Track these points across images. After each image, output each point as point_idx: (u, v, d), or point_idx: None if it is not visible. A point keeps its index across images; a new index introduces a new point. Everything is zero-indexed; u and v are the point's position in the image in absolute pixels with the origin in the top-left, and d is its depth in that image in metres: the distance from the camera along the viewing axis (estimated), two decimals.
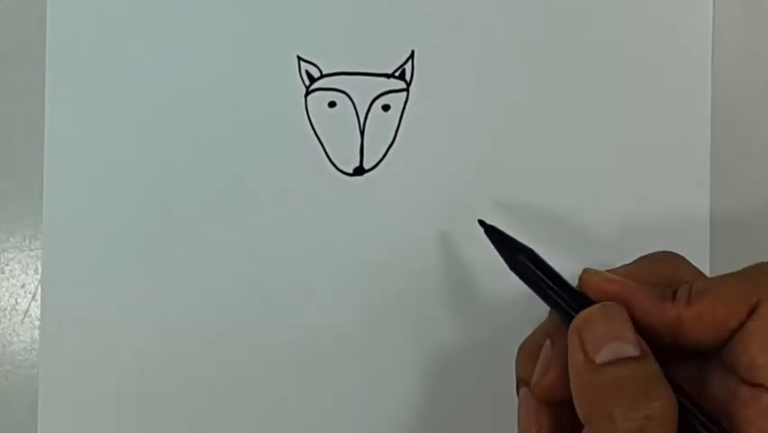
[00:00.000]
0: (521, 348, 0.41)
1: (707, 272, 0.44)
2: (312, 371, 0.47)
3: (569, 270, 0.40)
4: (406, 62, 0.48)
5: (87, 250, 0.47)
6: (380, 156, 0.48)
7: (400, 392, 0.47)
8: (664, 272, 0.40)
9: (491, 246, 0.42)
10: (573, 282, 0.40)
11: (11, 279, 0.47)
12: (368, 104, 0.48)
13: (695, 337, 0.37)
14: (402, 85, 0.48)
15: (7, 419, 0.47)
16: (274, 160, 0.47)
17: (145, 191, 0.47)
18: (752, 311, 0.36)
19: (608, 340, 0.36)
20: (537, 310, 0.41)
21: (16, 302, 0.47)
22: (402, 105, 0.48)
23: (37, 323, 0.47)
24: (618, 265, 0.41)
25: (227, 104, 0.47)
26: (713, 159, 0.48)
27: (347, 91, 0.48)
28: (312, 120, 0.48)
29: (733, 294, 0.37)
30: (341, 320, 0.47)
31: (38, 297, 0.47)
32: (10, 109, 0.47)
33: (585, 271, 0.39)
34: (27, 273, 0.47)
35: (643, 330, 0.37)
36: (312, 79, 0.48)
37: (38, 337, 0.47)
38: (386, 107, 0.48)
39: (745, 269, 0.38)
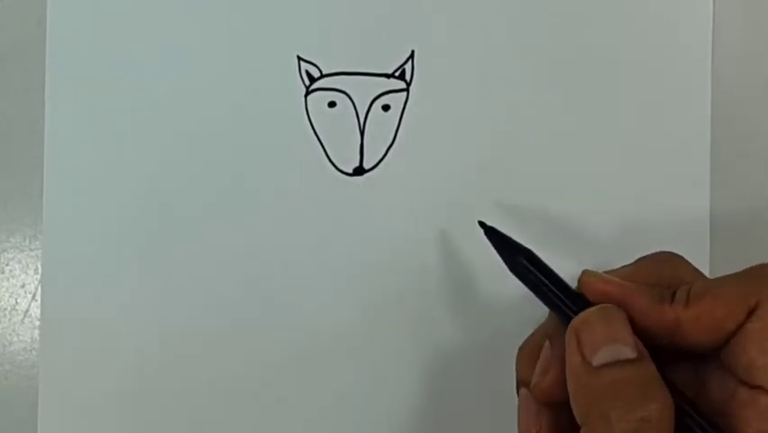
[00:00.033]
0: (521, 349, 0.41)
1: (706, 273, 0.44)
2: (312, 371, 0.47)
3: (569, 270, 0.40)
4: (406, 62, 0.48)
5: (87, 250, 0.47)
6: (380, 156, 0.48)
7: (400, 392, 0.47)
8: (664, 273, 0.40)
9: (491, 247, 0.42)
10: (573, 283, 0.40)
11: (11, 279, 0.47)
12: (368, 104, 0.48)
13: (693, 339, 0.37)
14: (402, 85, 0.48)
15: (7, 419, 0.47)
16: (274, 160, 0.47)
17: (145, 191, 0.47)
18: (750, 313, 0.36)
19: (605, 342, 0.36)
20: (537, 311, 0.41)
21: (16, 302, 0.47)
22: (402, 105, 0.48)
23: (37, 323, 0.47)
24: (618, 266, 0.41)
25: (227, 104, 0.47)
26: (713, 159, 0.48)
27: (347, 91, 0.48)
28: (312, 120, 0.48)
29: (731, 296, 0.37)
30: (341, 320, 0.47)
31: (38, 297, 0.47)
32: (10, 109, 0.47)
33: (584, 272, 0.39)
34: (27, 273, 0.47)
35: (641, 332, 0.37)
36: (312, 79, 0.48)
37: (38, 337, 0.47)
38: (386, 107, 0.48)
39: (743, 271, 0.38)
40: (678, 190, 0.48)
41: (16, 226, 0.47)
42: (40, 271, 0.47)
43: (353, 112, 0.48)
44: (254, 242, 0.47)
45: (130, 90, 0.47)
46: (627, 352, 0.36)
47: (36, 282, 0.47)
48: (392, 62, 0.48)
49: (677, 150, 0.48)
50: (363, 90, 0.48)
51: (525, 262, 0.40)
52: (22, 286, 0.47)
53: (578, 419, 0.36)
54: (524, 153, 0.48)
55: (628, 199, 0.48)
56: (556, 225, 0.48)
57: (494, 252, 0.42)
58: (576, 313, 0.38)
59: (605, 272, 0.40)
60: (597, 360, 0.36)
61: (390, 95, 0.48)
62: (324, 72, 0.48)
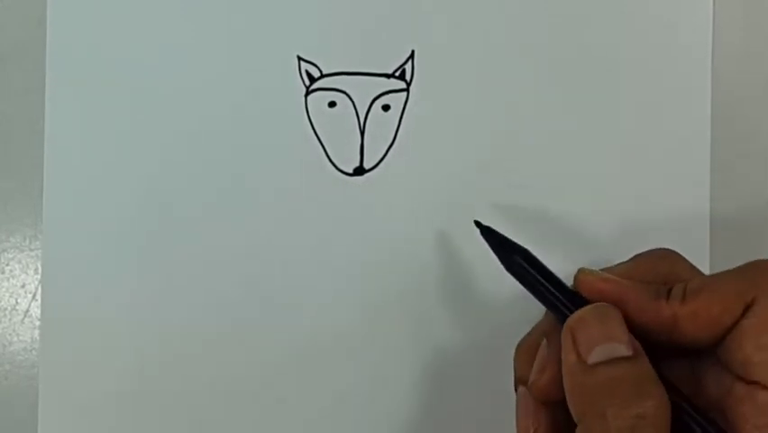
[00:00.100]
0: (519, 347, 0.41)
1: (706, 272, 0.44)
2: (312, 371, 0.47)
3: (569, 270, 0.40)
4: (406, 62, 0.48)
5: (87, 250, 0.47)
6: (380, 156, 0.48)
7: (400, 392, 0.47)
8: (661, 270, 0.40)
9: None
10: (570, 282, 0.40)
11: (11, 279, 0.48)
12: (368, 104, 0.48)
13: (690, 335, 0.37)
14: (402, 85, 0.48)
15: (7, 419, 0.47)
16: (274, 160, 0.47)
17: (145, 191, 0.47)
18: (747, 309, 0.36)
19: (600, 340, 0.36)
20: (536, 310, 0.41)
21: (16, 302, 0.47)
22: (402, 105, 0.48)
23: (37, 323, 0.47)
24: None
25: (227, 104, 0.47)
26: (713, 159, 0.48)
27: (347, 91, 0.48)
28: (312, 120, 0.48)
29: (728, 292, 0.37)
30: (341, 320, 0.47)
31: (38, 297, 0.47)
32: (10, 109, 0.47)
33: (580, 270, 0.39)
34: (27, 273, 0.47)
35: (638, 329, 0.37)
36: (312, 79, 0.48)
37: (38, 337, 0.47)
38: (386, 107, 0.48)
39: (740, 267, 0.38)
40: (678, 190, 0.48)
41: (16, 226, 0.47)
42: (40, 271, 0.47)
43: (353, 112, 0.48)
44: (254, 242, 0.47)
45: (130, 90, 0.47)
46: (622, 350, 0.36)
47: (36, 282, 0.47)
48: (392, 62, 0.48)
49: (677, 150, 0.48)
50: (363, 90, 0.48)
51: (520, 260, 0.40)
52: (23, 286, 0.47)
53: (574, 417, 0.36)
54: (524, 153, 0.48)
55: (628, 199, 0.48)
56: (556, 226, 0.48)
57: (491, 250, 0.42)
58: (572, 311, 0.38)
59: (601, 270, 0.40)
60: (592, 358, 0.36)
61: (390, 95, 0.48)
62: (324, 72, 0.48)
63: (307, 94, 0.48)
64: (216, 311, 0.47)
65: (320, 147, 0.48)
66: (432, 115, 0.48)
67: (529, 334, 0.41)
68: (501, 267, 0.41)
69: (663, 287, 0.38)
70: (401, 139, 0.48)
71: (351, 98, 0.48)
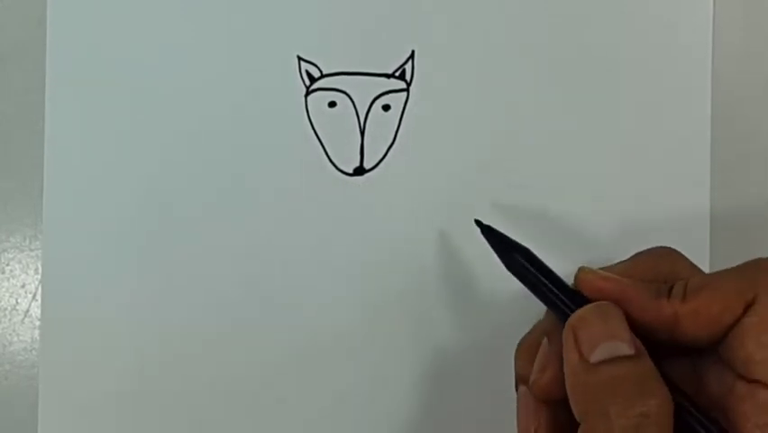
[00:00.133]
0: (519, 346, 0.41)
1: (707, 272, 0.44)
2: (312, 371, 0.47)
3: (569, 270, 0.40)
4: (406, 62, 0.48)
5: (87, 250, 0.47)
6: (381, 156, 0.48)
7: (400, 392, 0.47)
8: (661, 268, 0.40)
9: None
10: (570, 281, 0.40)
11: (11, 279, 0.47)
12: (368, 104, 0.48)
13: (691, 334, 0.37)
14: (402, 85, 0.48)
15: (7, 419, 0.47)
16: (274, 160, 0.47)
17: (145, 191, 0.47)
18: (748, 307, 0.36)
19: (602, 339, 0.36)
20: (537, 310, 0.41)
21: (16, 302, 0.47)
22: (402, 106, 0.48)
23: (37, 323, 0.47)
24: None
25: (227, 104, 0.47)
26: (713, 159, 0.48)
27: (347, 91, 0.48)
28: (312, 120, 0.48)
29: (729, 290, 0.37)
30: (341, 320, 0.47)
31: (38, 297, 0.47)
32: (10, 109, 0.47)
33: (580, 269, 0.39)
34: (27, 273, 0.47)
35: (639, 327, 0.37)
36: (312, 79, 0.48)
37: (38, 337, 0.47)
38: (386, 107, 0.48)
39: (740, 265, 0.38)
40: (678, 190, 0.48)
41: (16, 226, 0.47)
42: (40, 271, 0.47)
43: (354, 112, 0.48)
44: (254, 242, 0.47)
45: (130, 90, 0.47)
46: (625, 348, 0.36)
47: (36, 282, 0.47)
48: (392, 62, 0.48)
49: (677, 150, 0.48)
50: (363, 90, 0.48)
51: (520, 259, 0.40)
52: (23, 286, 0.47)
53: (577, 417, 0.36)
54: (524, 153, 0.48)
55: (628, 199, 0.48)
56: (556, 225, 0.48)
57: (493, 251, 0.42)
58: (573, 310, 0.38)
59: (601, 269, 0.40)
60: (594, 357, 0.36)
61: (390, 95, 0.48)
62: (324, 72, 0.48)
63: (307, 94, 0.48)
64: (216, 311, 0.47)
65: (320, 147, 0.48)
66: (432, 115, 0.48)
67: (530, 333, 0.41)
68: (501, 267, 0.41)
69: (664, 285, 0.38)
70: (401, 139, 0.48)
71: (351, 98, 0.48)
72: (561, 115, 0.48)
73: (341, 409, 0.47)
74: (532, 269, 0.40)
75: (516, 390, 0.41)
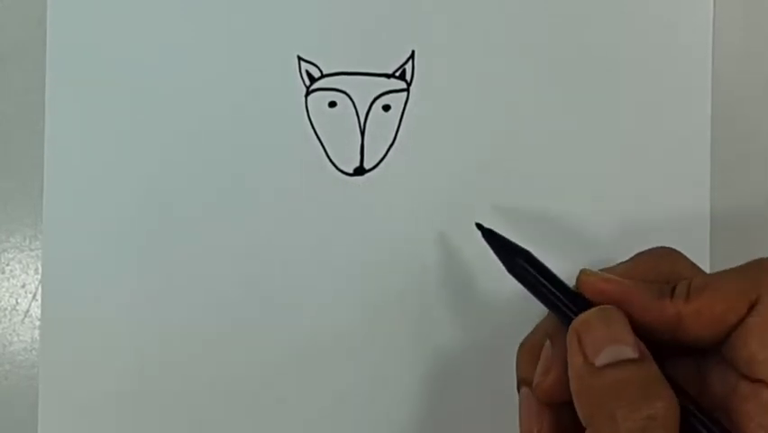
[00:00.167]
0: (521, 347, 0.41)
1: (707, 272, 0.44)
2: (312, 371, 0.47)
3: (569, 270, 0.40)
4: (406, 62, 0.48)
5: (87, 250, 0.47)
6: (381, 156, 0.48)
7: (400, 392, 0.47)
8: (662, 268, 0.40)
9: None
10: (572, 283, 0.40)
11: (11, 279, 0.47)
12: (368, 104, 0.48)
13: (694, 334, 0.37)
14: (402, 85, 0.48)
15: (7, 419, 0.47)
16: (274, 160, 0.47)
17: (145, 191, 0.47)
18: (751, 307, 0.36)
19: (606, 343, 0.36)
20: (537, 310, 0.41)
21: (16, 302, 0.47)
22: (402, 105, 0.48)
23: (37, 323, 0.47)
24: None
25: (227, 104, 0.47)
26: (713, 159, 0.48)
27: (347, 91, 0.48)
28: (312, 120, 0.48)
29: (732, 290, 0.37)
30: (341, 320, 0.47)
31: (38, 297, 0.47)
32: (10, 109, 0.47)
33: (582, 271, 0.39)
34: (27, 273, 0.47)
35: (642, 328, 0.37)
36: (312, 79, 0.48)
37: (38, 337, 0.47)
38: (386, 107, 0.48)
39: (743, 265, 0.38)
40: (678, 190, 0.48)
41: (16, 226, 0.47)
42: (40, 271, 0.47)
43: (354, 112, 0.48)
44: (254, 242, 0.47)
45: (130, 90, 0.47)
46: (629, 352, 0.36)
47: (36, 282, 0.47)
48: (392, 62, 0.48)
49: (677, 150, 0.48)
50: (364, 90, 0.48)
51: (522, 262, 0.40)
52: (23, 286, 0.47)
53: (582, 420, 0.36)
54: (524, 153, 0.48)
55: (628, 199, 0.48)
56: (556, 226, 0.48)
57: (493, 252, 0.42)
58: (576, 313, 0.38)
59: (603, 270, 0.40)
60: (599, 360, 0.36)
61: (391, 95, 0.48)
62: (324, 72, 0.48)
63: (307, 94, 0.48)
64: (216, 311, 0.47)
65: (320, 147, 0.48)
66: (432, 115, 0.48)
67: (531, 334, 0.41)
68: (501, 267, 0.41)
69: (666, 286, 0.38)
70: (401, 139, 0.48)
71: (351, 98, 0.48)
72: (561, 115, 0.48)
73: (341, 409, 0.47)
74: (534, 272, 0.40)
75: (518, 391, 0.41)
